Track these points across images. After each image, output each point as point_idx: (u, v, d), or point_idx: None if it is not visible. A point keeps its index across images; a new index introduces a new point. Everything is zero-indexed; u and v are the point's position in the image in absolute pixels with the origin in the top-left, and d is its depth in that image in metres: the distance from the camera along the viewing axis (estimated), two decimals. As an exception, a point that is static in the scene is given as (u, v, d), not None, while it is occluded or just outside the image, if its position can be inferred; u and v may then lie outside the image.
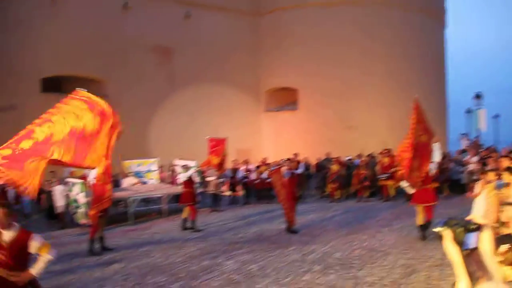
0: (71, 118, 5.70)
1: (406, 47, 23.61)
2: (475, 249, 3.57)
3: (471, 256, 3.55)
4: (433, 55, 25.61)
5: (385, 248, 8.81)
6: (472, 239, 3.32)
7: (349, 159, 18.53)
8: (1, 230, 4.45)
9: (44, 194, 15.23)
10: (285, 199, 11.20)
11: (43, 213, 16.11)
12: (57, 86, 20.94)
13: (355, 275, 7.16)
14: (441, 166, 16.32)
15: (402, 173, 9.97)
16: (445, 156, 17.56)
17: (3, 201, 11.29)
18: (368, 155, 18.10)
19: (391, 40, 23.34)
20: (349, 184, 17.33)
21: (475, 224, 3.53)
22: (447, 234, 2.22)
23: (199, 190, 15.93)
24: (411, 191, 9.82)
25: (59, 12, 19.90)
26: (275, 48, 24.85)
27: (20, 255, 4.49)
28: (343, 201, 16.68)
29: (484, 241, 3.84)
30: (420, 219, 9.57)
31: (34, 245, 4.56)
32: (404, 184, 9.96)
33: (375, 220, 12.24)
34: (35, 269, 4.56)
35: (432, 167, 9.81)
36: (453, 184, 16.33)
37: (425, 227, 9.41)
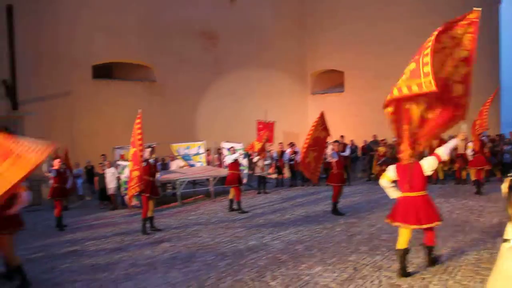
0: None
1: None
2: None
3: None
4: (486, 32, 24.41)
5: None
6: None
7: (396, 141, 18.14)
8: None
9: (97, 176, 15.85)
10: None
11: (96, 195, 16.77)
12: (108, 72, 21.58)
13: (401, 256, 7.07)
14: (494, 149, 15.82)
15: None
16: (497, 139, 16.97)
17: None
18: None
19: (441, 16, 22.27)
20: (397, 166, 17.03)
21: None
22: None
23: (246, 172, 16.19)
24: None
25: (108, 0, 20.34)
26: (320, 30, 24.75)
27: None
28: (391, 183, 16.40)
29: None
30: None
31: None
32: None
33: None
34: None
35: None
36: (506, 167, 15.73)
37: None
